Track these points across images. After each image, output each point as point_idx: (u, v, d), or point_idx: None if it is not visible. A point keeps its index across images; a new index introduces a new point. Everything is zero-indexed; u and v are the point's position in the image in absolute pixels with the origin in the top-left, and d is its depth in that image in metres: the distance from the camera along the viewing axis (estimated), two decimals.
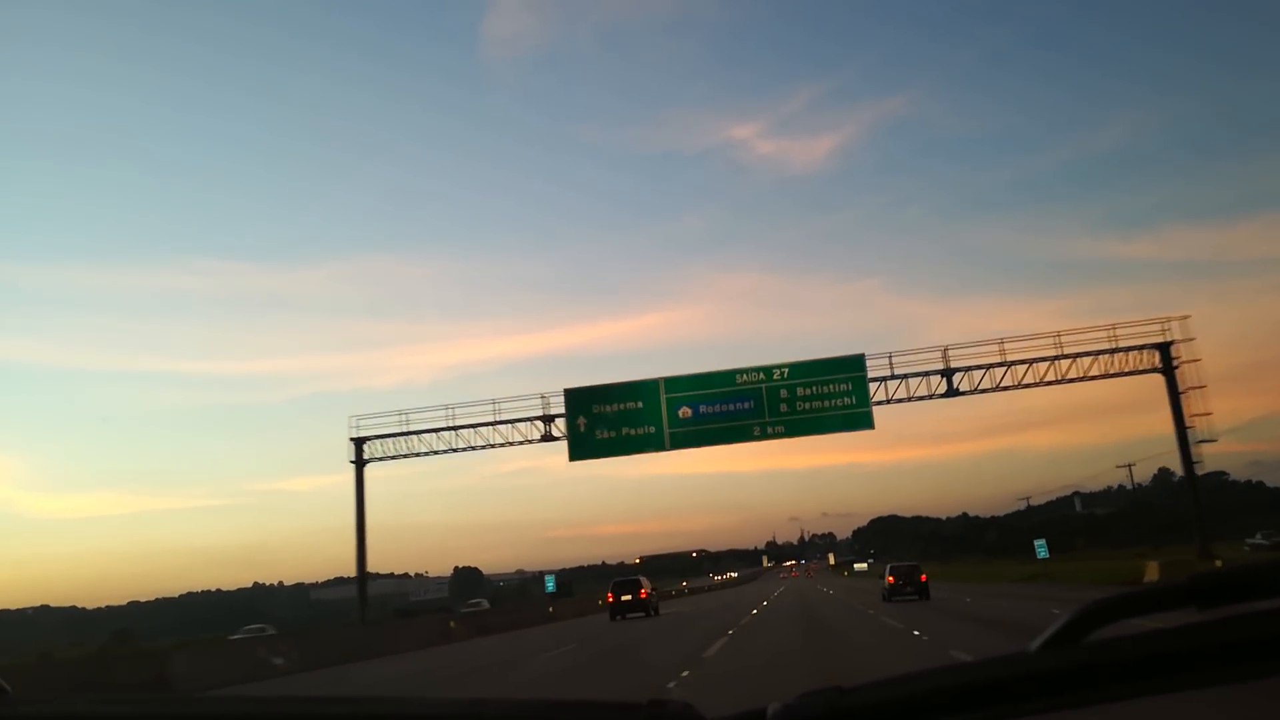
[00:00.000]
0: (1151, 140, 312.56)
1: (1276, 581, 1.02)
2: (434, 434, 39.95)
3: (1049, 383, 37.54)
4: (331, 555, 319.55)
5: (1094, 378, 37.36)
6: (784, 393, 37.67)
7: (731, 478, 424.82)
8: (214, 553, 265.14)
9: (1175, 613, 1.05)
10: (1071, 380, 37.41)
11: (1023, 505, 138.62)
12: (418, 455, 40.29)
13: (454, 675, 19.73)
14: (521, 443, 39.84)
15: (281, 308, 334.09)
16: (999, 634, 19.29)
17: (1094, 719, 1.33)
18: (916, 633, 20.66)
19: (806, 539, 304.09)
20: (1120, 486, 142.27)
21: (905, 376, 37.90)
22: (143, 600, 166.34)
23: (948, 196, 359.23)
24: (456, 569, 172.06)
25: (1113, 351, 37.00)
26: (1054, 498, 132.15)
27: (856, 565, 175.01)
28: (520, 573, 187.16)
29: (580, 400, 38.86)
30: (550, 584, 58.13)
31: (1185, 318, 36.84)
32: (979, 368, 37.69)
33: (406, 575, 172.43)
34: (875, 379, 37.58)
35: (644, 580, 44.57)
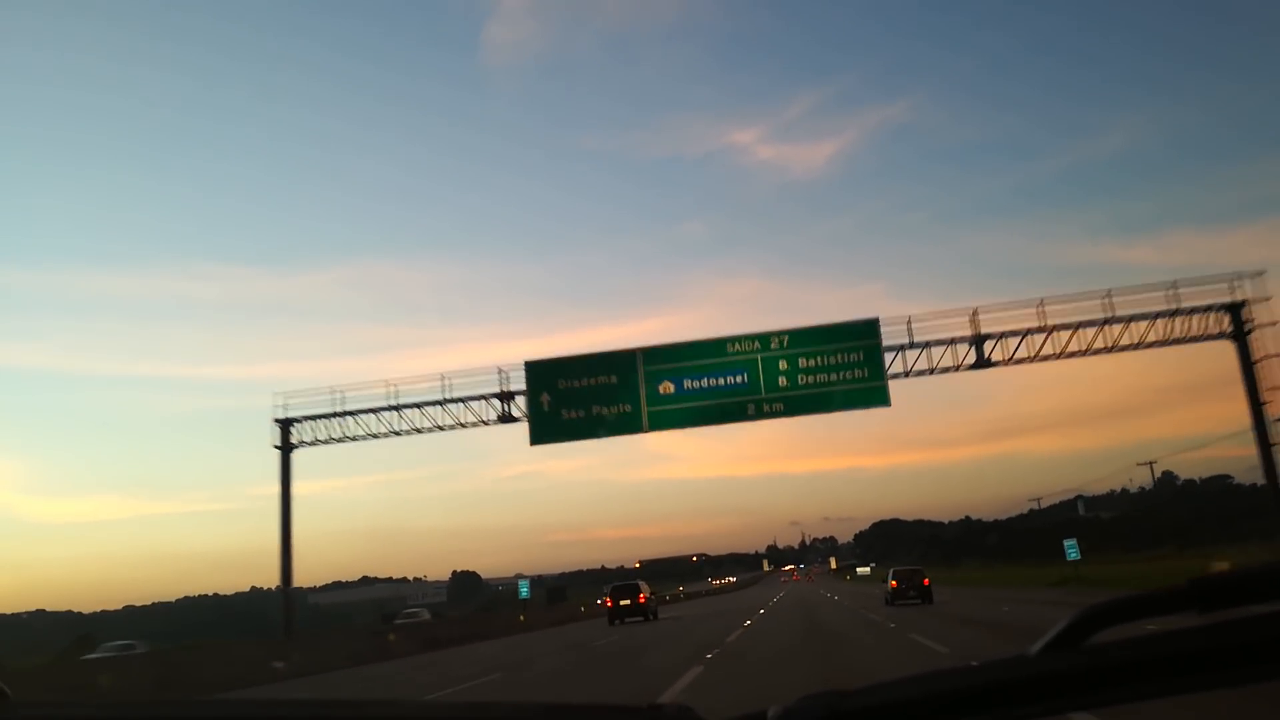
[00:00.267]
0: (1153, 146, 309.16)
1: (1276, 585, 1.01)
2: (373, 415, 34.10)
3: (1098, 351, 31.64)
4: (330, 559, 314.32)
5: (1153, 344, 31.45)
6: (783, 364, 31.79)
7: (732, 481, 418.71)
8: (213, 557, 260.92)
9: (1176, 616, 1.02)
10: (1125, 348, 31.52)
11: (1026, 509, 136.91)
12: (354, 440, 34.42)
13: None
14: (476, 424, 34.01)
15: (283, 312, 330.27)
16: None
17: None
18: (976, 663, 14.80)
19: (807, 543, 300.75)
20: (1123, 490, 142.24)
21: (927, 345, 32.02)
22: (139, 605, 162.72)
23: (949, 202, 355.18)
24: (454, 573, 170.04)
25: (1174, 314, 31.14)
26: (1056, 501, 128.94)
27: (859, 569, 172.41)
28: (519, 576, 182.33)
29: (544, 374, 32.99)
30: (524, 589, 52.16)
31: (1260, 274, 31.06)
32: (1015, 334, 31.81)
33: (405, 579, 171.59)
34: (891, 348, 31.78)
35: (642, 585, 43.00)
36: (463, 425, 34.04)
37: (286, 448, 34.12)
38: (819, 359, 31.53)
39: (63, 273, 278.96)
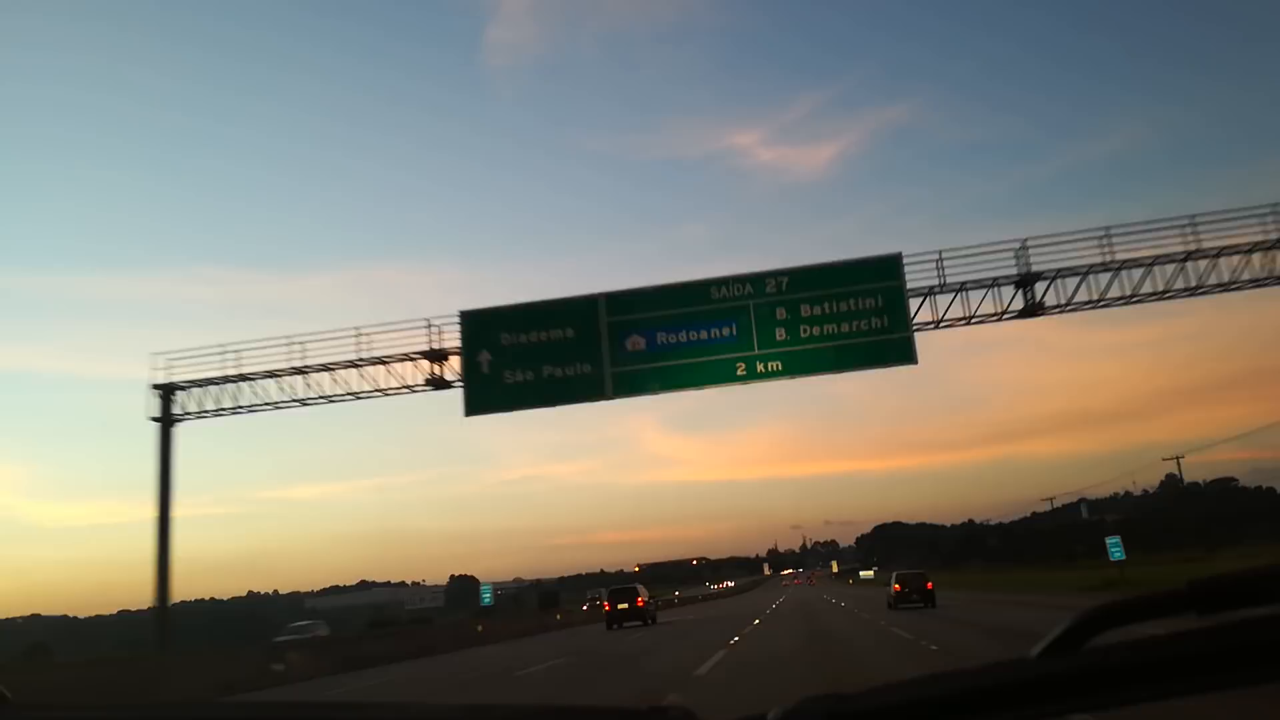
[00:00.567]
0: (1150, 148, 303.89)
1: (1275, 587, 1.01)
2: (274, 380, 27.57)
3: (1178, 293, 25.07)
4: (328, 563, 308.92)
5: (1249, 283, 24.86)
6: (782, 312, 25.26)
7: (733, 485, 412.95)
8: (210, 561, 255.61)
9: (1175, 618, 1.02)
10: (1213, 288, 24.95)
11: (1029, 512, 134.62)
12: (253, 409, 27.89)
13: None
14: (401, 390, 27.51)
15: (284, 315, 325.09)
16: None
17: None
18: None
19: (808, 546, 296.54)
20: (1126, 493, 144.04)
21: (962, 287, 25.49)
22: (134, 610, 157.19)
23: (948, 204, 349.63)
24: (452, 577, 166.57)
25: (1274, 247, 24.63)
26: (1058, 505, 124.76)
27: (863, 573, 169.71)
28: (518, 580, 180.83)
29: (483, 328, 26.45)
30: (486, 595, 45.43)
31: None
32: (1073, 273, 25.25)
33: (403, 584, 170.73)
34: (917, 292, 25.30)
35: (640, 588, 42.32)
36: (383, 392, 27.53)
37: (168, 419, 27.59)
38: (827, 306, 25.01)
39: (63, 276, 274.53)
